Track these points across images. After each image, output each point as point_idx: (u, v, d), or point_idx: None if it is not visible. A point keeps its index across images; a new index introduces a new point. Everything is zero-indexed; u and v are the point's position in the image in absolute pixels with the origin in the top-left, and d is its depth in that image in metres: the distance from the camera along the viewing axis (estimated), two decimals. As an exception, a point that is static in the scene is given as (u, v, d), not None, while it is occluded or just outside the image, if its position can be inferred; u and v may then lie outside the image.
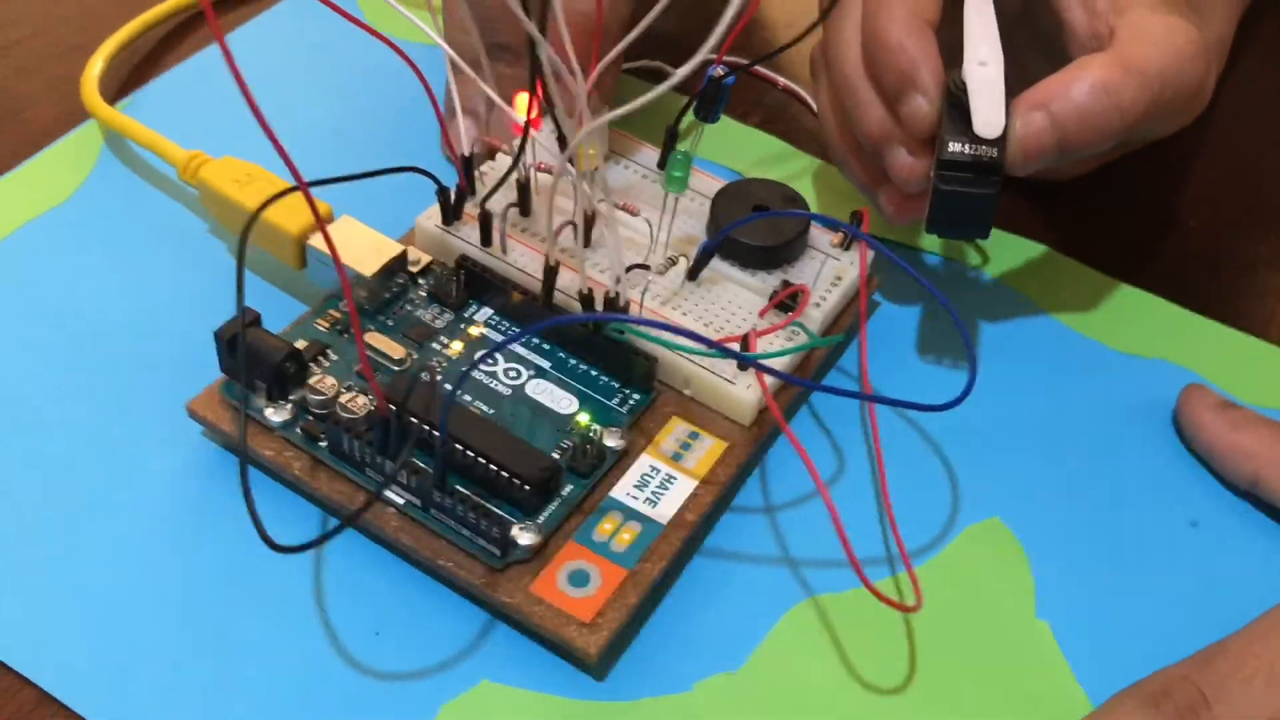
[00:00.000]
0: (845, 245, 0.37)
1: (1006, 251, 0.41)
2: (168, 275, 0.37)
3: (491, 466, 0.30)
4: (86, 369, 0.35)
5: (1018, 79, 0.34)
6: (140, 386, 0.34)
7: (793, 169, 0.43)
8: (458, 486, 0.30)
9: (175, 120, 0.41)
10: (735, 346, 0.33)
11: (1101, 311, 0.40)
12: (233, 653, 0.29)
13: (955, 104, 0.34)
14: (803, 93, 0.46)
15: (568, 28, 0.36)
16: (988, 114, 0.33)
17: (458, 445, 0.31)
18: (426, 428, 0.30)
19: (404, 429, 0.30)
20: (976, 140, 0.33)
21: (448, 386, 0.33)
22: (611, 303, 0.33)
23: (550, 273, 0.34)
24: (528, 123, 0.34)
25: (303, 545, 0.28)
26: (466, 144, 0.36)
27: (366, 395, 0.32)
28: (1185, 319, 0.39)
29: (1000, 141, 0.33)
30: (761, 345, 0.34)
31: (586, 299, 0.33)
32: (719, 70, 0.36)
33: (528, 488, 0.30)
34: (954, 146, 0.33)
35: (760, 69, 0.46)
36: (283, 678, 0.29)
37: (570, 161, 0.34)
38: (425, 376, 0.31)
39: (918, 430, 0.35)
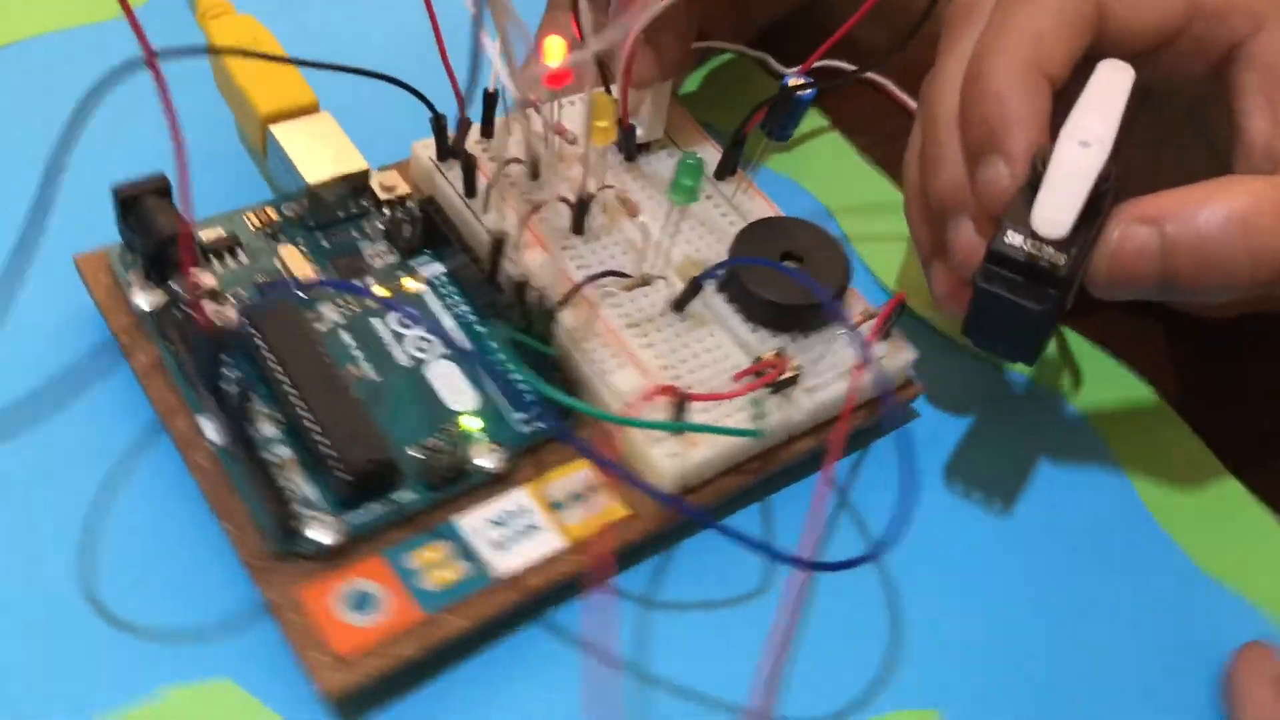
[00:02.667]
0: (883, 333, 0.30)
1: (1099, 376, 0.33)
2: (150, 118, 0.34)
3: (318, 437, 0.25)
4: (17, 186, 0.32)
5: (1150, 180, 0.27)
6: (69, 220, 0.31)
7: (882, 217, 0.36)
8: (273, 449, 0.25)
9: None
10: (662, 402, 0.27)
11: (1195, 503, 0.31)
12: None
13: (1034, 186, 0.26)
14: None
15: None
16: (1054, 208, 0.25)
17: (294, 400, 0.26)
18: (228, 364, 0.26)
19: (217, 356, 0.25)
20: (1041, 238, 0.25)
21: (337, 328, 0.28)
22: (539, 303, 0.27)
23: (496, 244, 0.28)
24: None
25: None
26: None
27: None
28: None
29: (1072, 248, 0.25)
30: (703, 419, 0.27)
31: (519, 287, 0.28)
32: (795, 80, 0.30)
33: (348, 476, 0.25)
34: (1011, 237, 0.26)
35: (884, 81, 0.39)
36: (10, 582, 0.25)
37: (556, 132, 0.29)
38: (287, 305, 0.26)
39: (888, 581, 0.28)
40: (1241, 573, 0.30)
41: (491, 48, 0.28)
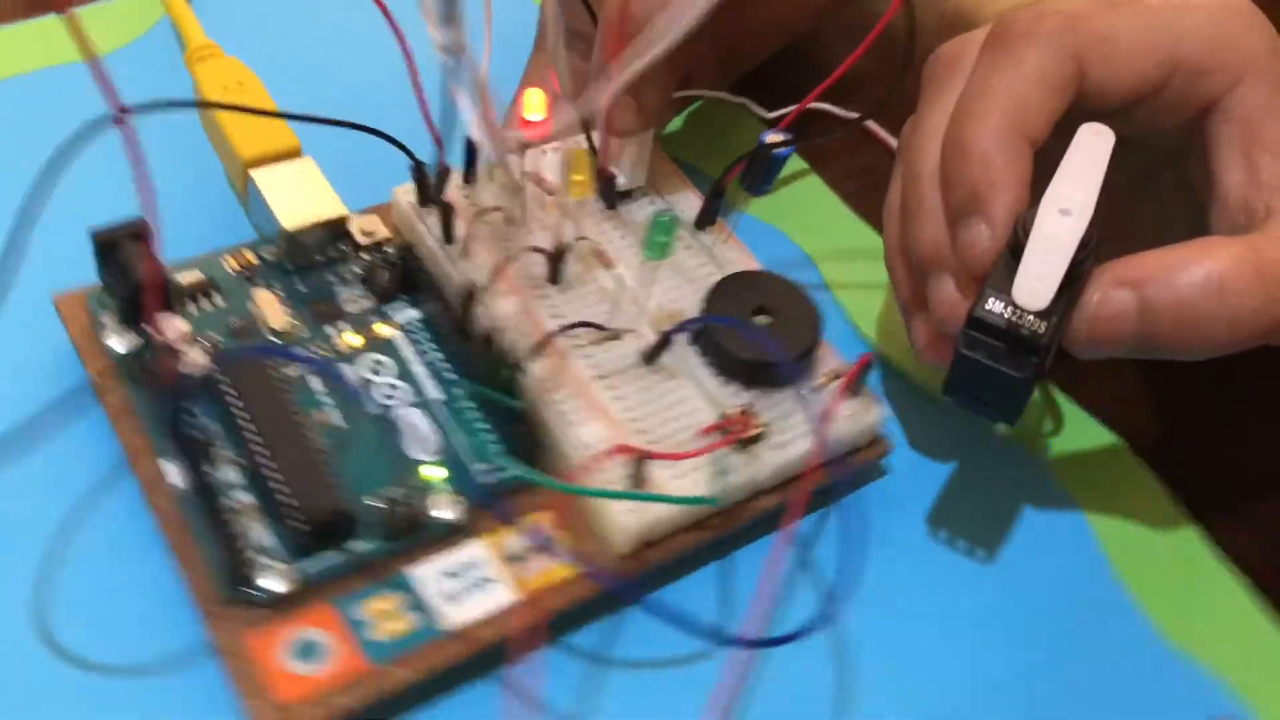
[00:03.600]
0: (853, 390, 0.30)
1: (1067, 425, 0.33)
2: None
3: (277, 484, 0.26)
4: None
5: (1127, 227, 0.27)
6: (52, 261, 0.31)
7: (864, 264, 0.36)
8: (234, 495, 0.26)
9: (235, 8, 0.38)
10: (622, 460, 0.27)
11: (1160, 562, 0.30)
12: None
13: (1015, 251, 0.26)
14: None
15: (608, 25, 0.31)
16: (1036, 279, 0.26)
17: (256, 447, 0.26)
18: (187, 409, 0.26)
19: (181, 401, 0.25)
20: (1021, 307, 0.26)
21: (305, 374, 0.28)
22: (503, 360, 0.28)
23: (468, 294, 0.28)
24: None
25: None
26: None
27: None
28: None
29: (1053, 315, 0.26)
30: (667, 475, 0.27)
31: (487, 338, 0.28)
32: (773, 136, 0.30)
33: (304, 525, 0.25)
34: (992, 304, 0.26)
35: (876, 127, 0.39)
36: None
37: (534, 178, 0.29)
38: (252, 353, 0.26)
39: (841, 643, 0.28)
40: (1204, 640, 0.29)
41: (464, 104, 0.28)
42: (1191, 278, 0.26)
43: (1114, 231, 0.27)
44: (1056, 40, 0.27)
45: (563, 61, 0.28)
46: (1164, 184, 0.30)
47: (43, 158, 0.24)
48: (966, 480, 0.31)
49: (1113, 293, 0.26)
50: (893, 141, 0.38)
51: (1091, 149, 0.27)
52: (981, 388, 0.27)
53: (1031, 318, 0.26)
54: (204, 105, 0.31)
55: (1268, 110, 0.27)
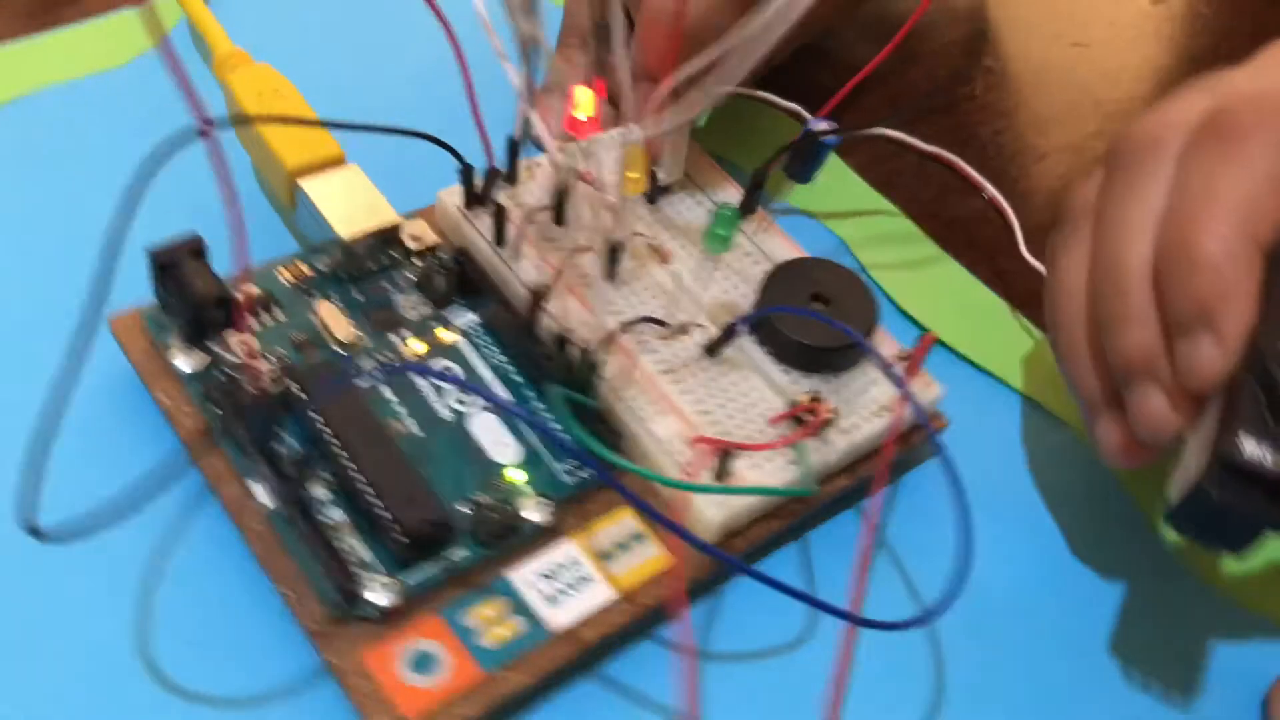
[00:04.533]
0: (911, 370, 0.31)
1: None
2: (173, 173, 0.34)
3: (372, 499, 0.26)
4: (44, 249, 0.31)
5: None
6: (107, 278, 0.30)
7: (895, 246, 0.37)
8: (326, 511, 0.26)
9: (255, 12, 0.37)
10: (704, 451, 0.27)
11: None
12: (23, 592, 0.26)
13: (1267, 384, 0.24)
14: (959, 162, 0.39)
15: (646, 26, 0.31)
16: None
17: (346, 462, 0.26)
18: (279, 430, 0.26)
19: (270, 421, 0.25)
20: None
21: (377, 384, 0.28)
22: (586, 356, 0.28)
23: (535, 297, 0.29)
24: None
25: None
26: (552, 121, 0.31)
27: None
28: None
29: None
30: (743, 465, 0.28)
31: (559, 340, 0.28)
32: (819, 125, 0.31)
33: (404, 538, 0.25)
34: (1249, 449, 0.24)
35: (903, 136, 0.40)
36: (69, 651, 0.25)
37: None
38: (347, 369, 0.26)
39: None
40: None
41: (541, 101, 0.28)
42: None
43: None
44: None
45: (625, 65, 0.28)
46: None
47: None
48: (1017, 459, 0.33)
49: None
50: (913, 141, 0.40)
51: None
52: (1219, 524, 0.25)
53: None
54: (271, 120, 0.30)
55: None
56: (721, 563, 0.27)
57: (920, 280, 0.36)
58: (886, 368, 0.28)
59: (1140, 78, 0.46)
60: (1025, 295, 0.36)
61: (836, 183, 0.38)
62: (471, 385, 0.20)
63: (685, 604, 0.24)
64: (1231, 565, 0.31)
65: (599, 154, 0.29)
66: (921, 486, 0.31)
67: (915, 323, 0.35)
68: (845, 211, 0.37)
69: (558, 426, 0.28)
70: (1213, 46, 0.48)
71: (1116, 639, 0.29)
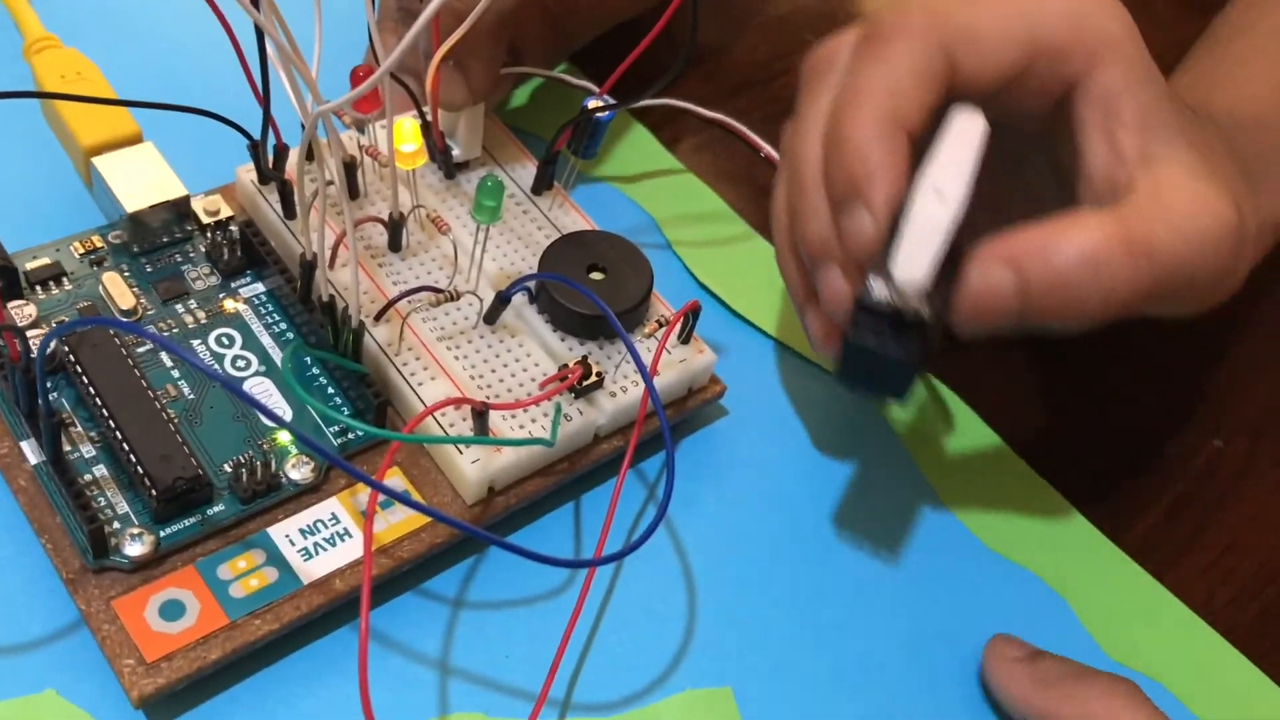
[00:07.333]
0: (683, 337, 0.32)
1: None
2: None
3: (131, 457, 0.27)
4: None
5: (999, 206, 0.27)
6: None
7: (707, 225, 0.38)
8: (92, 468, 0.27)
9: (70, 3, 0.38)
10: (463, 413, 0.28)
11: (988, 495, 0.33)
12: None
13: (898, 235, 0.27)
14: (740, 127, 0.41)
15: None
16: (910, 261, 0.26)
17: (110, 422, 0.27)
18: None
19: (29, 386, 0.26)
20: (900, 287, 0.26)
21: (159, 350, 0.29)
22: (346, 320, 0.29)
23: (307, 267, 0.30)
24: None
25: None
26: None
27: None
28: (1091, 538, 0.33)
29: (934, 295, 0.26)
30: (507, 426, 0.29)
31: (325, 307, 0.29)
32: (594, 102, 0.32)
33: (157, 493, 0.27)
34: (876, 290, 0.26)
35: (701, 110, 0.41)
36: None
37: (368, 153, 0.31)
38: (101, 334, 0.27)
39: (686, 570, 0.30)
40: (1025, 549, 0.32)
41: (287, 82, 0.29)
42: (1066, 252, 0.26)
43: (988, 212, 0.27)
44: (923, 35, 0.28)
45: (375, 33, 0.29)
46: (1034, 165, 0.31)
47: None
48: (799, 421, 0.34)
49: (991, 270, 0.27)
50: (707, 113, 0.41)
51: (963, 131, 0.28)
52: (871, 371, 0.27)
53: (913, 298, 0.26)
54: (42, 95, 0.31)
55: (1125, 88, 0.28)
56: (479, 521, 0.29)
57: (723, 256, 0.37)
58: (625, 336, 0.29)
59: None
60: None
61: (646, 158, 0.39)
62: (173, 346, 0.21)
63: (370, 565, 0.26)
64: (986, 512, 0.33)
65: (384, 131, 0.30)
66: (704, 446, 0.33)
67: (715, 297, 0.36)
68: (660, 191, 0.39)
69: (330, 390, 0.29)
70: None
71: (867, 575, 0.31)
